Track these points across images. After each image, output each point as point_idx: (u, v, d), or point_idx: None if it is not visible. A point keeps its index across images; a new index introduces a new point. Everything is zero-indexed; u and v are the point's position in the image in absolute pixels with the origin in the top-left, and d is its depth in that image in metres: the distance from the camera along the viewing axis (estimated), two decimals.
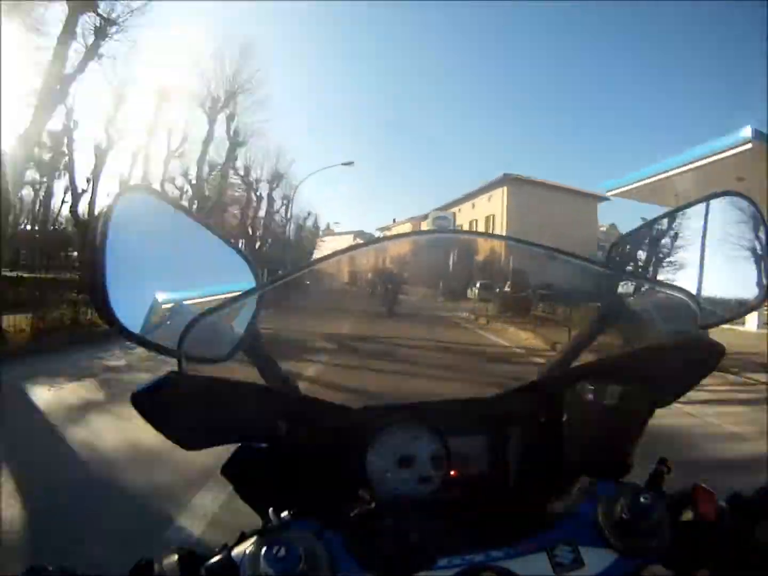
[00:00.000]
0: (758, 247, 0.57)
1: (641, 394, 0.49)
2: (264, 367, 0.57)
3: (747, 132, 8.61)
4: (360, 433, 0.54)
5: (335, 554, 0.39)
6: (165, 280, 0.55)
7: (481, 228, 29.68)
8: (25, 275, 11.76)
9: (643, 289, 0.59)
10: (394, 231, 34.19)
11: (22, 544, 1.78)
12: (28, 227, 24.89)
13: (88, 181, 12.84)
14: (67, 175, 12.93)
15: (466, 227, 29.85)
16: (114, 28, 9.21)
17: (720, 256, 0.60)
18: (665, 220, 0.65)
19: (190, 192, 18.86)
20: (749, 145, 8.62)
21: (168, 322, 0.52)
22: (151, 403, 0.44)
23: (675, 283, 0.59)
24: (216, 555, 0.41)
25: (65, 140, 12.01)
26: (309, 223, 34.70)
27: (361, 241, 0.57)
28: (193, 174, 18.08)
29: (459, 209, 34.52)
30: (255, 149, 21.46)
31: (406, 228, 34.18)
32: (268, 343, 0.59)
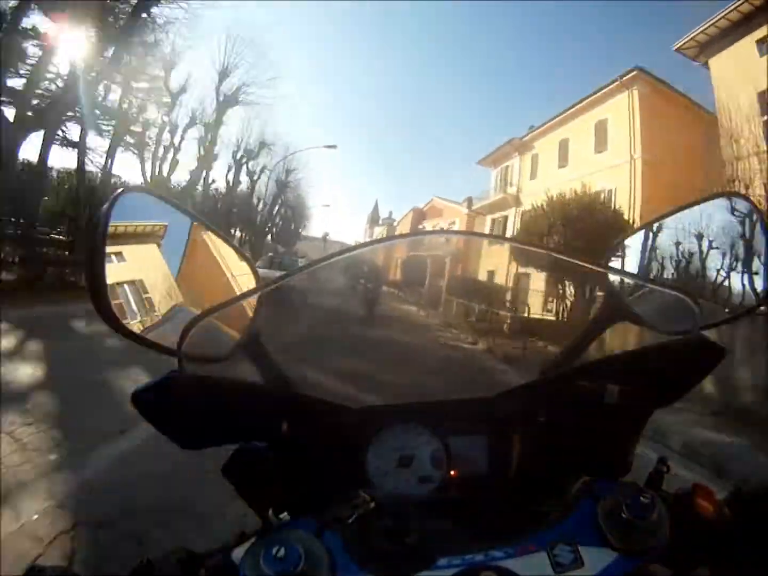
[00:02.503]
0: (758, 248, 0.57)
1: (641, 394, 0.49)
2: (264, 367, 0.57)
3: None
4: (360, 433, 0.54)
5: (335, 554, 0.39)
6: (165, 280, 0.55)
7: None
8: None
9: (643, 289, 0.59)
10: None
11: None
12: None
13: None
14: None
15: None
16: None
17: (720, 257, 0.60)
18: (665, 221, 0.65)
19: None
20: None
21: (168, 322, 0.52)
22: (151, 402, 0.44)
23: (675, 284, 0.59)
24: (216, 555, 0.41)
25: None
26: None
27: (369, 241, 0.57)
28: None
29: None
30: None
31: None
32: (268, 343, 0.59)
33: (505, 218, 22.00)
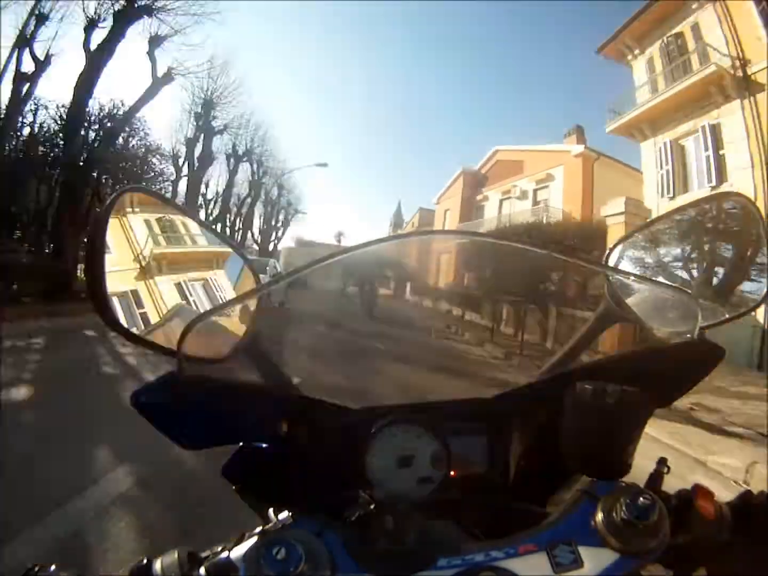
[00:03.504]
0: (758, 248, 0.57)
1: (641, 394, 0.49)
2: (264, 367, 0.57)
3: None
4: (360, 433, 0.54)
5: (335, 554, 0.39)
6: (164, 280, 0.55)
7: None
8: None
9: (643, 289, 0.59)
10: None
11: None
12: None
13: None
14: None
15: None
16: None
17: (720, 257, 0.60)
18: (666, 220, 0.65)
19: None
20: None
21: (168, 323, 0.52)
22: (151, 403, 0.44)
23: (675, 284, 0.60)
24: (216, 555, 0.41)
25: None
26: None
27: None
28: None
29: None
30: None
31: None
32: (268, 343, 0.59)
33: (714, 130, 10.03)
